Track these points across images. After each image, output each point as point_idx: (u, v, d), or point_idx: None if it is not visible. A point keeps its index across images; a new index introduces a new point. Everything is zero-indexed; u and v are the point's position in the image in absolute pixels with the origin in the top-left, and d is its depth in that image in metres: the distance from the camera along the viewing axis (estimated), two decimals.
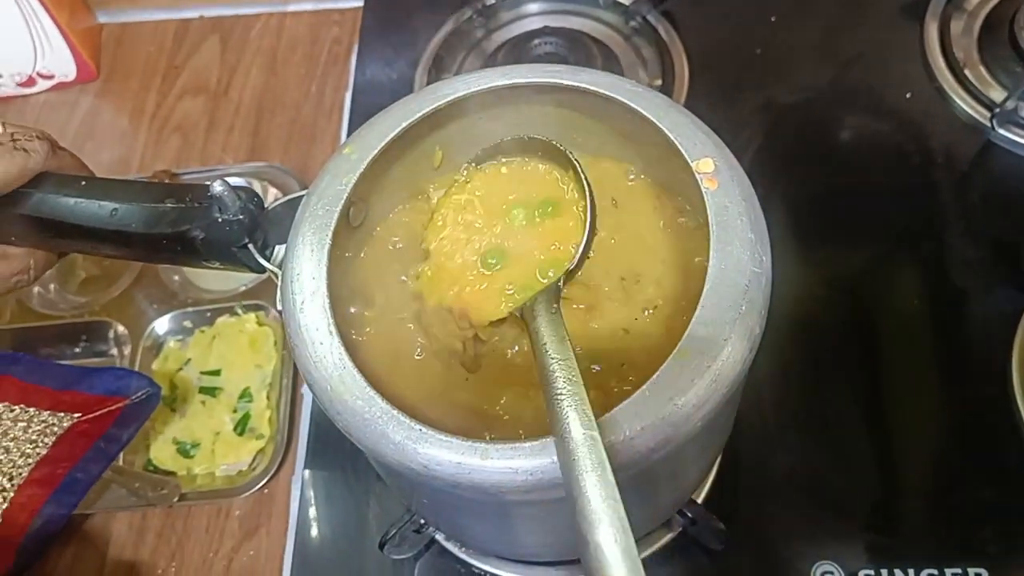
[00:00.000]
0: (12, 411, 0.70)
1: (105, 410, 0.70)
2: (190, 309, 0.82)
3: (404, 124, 0.49)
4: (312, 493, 0.71)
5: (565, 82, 0.49)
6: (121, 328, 0.82)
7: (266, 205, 0.52)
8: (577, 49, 0.89)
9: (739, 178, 0.45)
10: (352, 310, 0.50)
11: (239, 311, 0.81)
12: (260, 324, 0.81)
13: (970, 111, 0.80)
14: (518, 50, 0.90)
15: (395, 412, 0.41)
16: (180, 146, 0.94)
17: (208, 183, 0.49)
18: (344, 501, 0.71)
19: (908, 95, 0.83)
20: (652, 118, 0.47)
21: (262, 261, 0.51)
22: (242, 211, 0.49)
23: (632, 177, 0.53)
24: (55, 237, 0.55)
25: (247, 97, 0.97)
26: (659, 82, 0.86)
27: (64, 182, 0.54)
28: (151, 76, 1.01)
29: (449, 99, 0.50)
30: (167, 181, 0.83)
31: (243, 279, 0.82)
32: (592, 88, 0.49)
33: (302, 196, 0.50)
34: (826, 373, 0.71)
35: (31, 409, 0.70)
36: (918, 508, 0.65)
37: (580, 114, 0.52)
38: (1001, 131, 0.78)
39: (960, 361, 0.70)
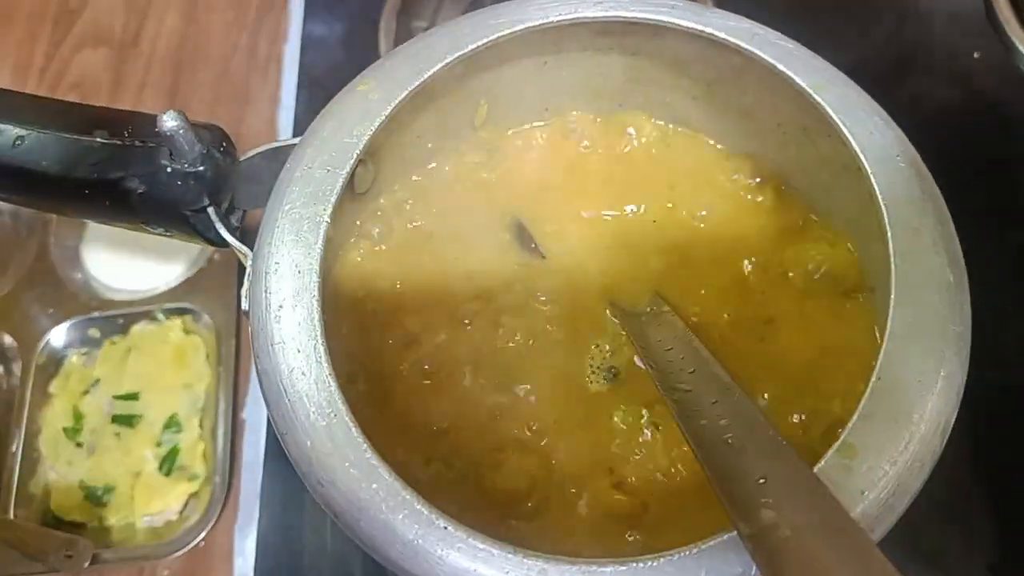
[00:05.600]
0: None
1: None
2: (96, 315, 0.70)
3: (450, 58, 0.36)
4: (261, 545, 0.62)
5: (684, 23, 0.36)
6: (8, 339, 0.68)
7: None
8: None
9: (929, 188, 0.32)
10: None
11: (160, 316, 0.70)
12: (187, 332, 0.70)
13: None
14: None
15: (406, 494, 0.29)
16: None
17: (158, 114, 0.36)
18: (301, 555, 0.62)
19: (976, 55, 0.75)
20: (809, 89, 0.33)
21: (225, 234, 0.39)
22: (203, 159, 0.37)
23: (735, 174, 0.40)
24: None
25: (161, 48, 0.86)
26: None
27: None
28: (38, 23, 0.89)
29: (510, 31, 0.36)
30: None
31: (164, 275, 0.70)
32: (723, 37, 0.35)
33: (291, 146, 0.37)
34: None
35: None
36: None
37: (675, 72, 0.39)
38: None
39: None
